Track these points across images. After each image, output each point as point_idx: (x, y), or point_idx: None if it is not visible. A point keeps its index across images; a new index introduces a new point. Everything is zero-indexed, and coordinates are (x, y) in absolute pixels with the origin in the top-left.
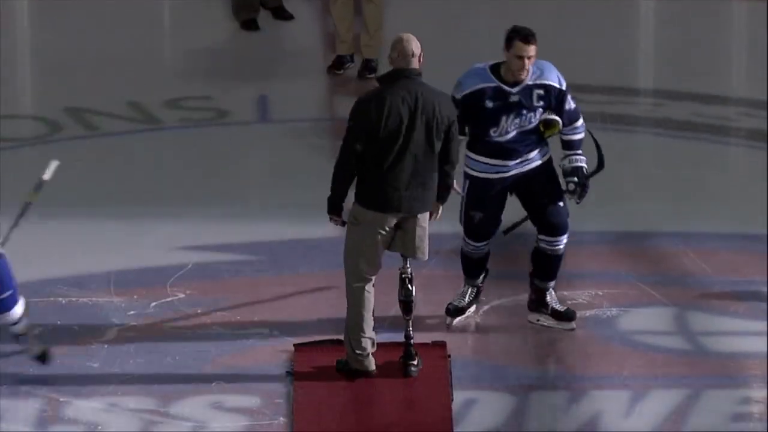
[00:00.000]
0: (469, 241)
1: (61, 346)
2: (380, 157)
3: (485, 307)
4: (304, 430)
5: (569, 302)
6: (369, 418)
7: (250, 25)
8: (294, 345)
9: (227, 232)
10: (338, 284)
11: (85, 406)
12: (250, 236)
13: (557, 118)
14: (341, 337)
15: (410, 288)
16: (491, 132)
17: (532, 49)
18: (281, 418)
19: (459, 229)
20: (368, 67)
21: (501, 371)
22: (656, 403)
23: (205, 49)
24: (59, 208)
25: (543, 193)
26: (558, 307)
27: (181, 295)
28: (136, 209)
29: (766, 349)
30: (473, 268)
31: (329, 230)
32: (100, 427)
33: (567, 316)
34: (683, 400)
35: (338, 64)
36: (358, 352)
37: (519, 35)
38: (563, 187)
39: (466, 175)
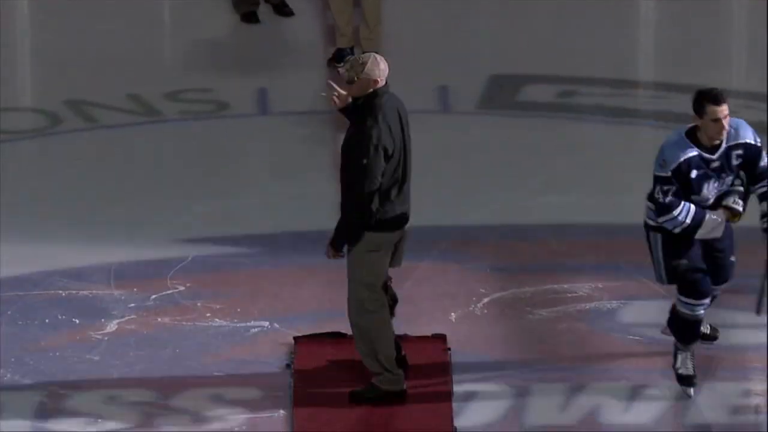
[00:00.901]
0: (686, 299)
1: (61, 339)
2: (393, 175)
3: (485, 300)
4: (304, 425)
5: (569, 295)
6: (369, 411)
7: (250, 17)
8: (294, 338)
9: (227, 225)
10: (337, 278)
11: (85, 399)
12: (250, 229)
13: (741, 209)
14: (341, 330)
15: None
16: (691, 199)
17: (725, 108)
18: (281, 411)
19: (459, 221)
20: None
21: (501, 364)
22: (656, 396)
23: (206, 42)
24: (59, 201)
25: (722, 248)
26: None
27: (181, 288)
28: (136, 202)
29: (765, 342)
30: (690, 331)
31: (329, 223)
32: (100, 420)
33: (711, 336)
34: (682, 393)
35: (338, 57)
36: (396, 373)
37: (708, 98)
38: (762, 226)
39: (655, 229)
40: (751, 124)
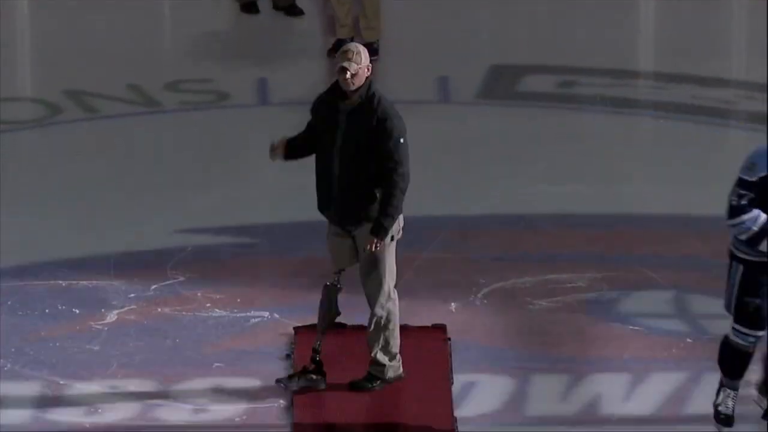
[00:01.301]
0: (743, 329)
1: (62, 329)
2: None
3: (485, 290)
4: (304, 415)
5: (569, 285)
6: (369, 401)
7: (250, 8)
8: (294, 328)
9: (227, 215)
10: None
11: (85, 389)
12: (249, 219)
13: None
14: (340, 320)
15: None
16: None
17: None
18: (281, 401)
19: (459, 211)
20: (370, 50)
21: (501, 354)
22: (656, 386)
23: (205, 32)
24: (59, 191)
25: None
26: None
27: (181, 278)
28: (136, 192)
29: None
30: (738, 363)
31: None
32: (100, 410)
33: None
34: (683, 382)
35: (338, 47)
36: (399, 358)
37: None
38: None
39: (739, 260)
40: (751, 115)
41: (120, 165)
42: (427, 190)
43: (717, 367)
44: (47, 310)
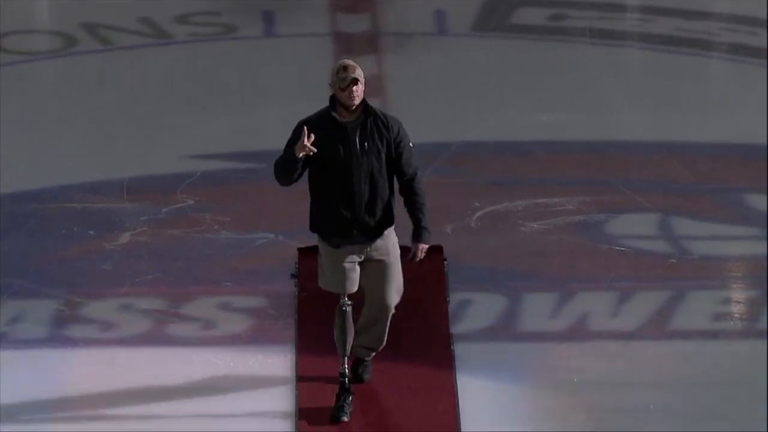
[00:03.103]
0: None
1: (77, 250)
2: None
3: (479, 213)
4: (308, 335)
5: (559, 208)
6: None
7: None
8: (298, 249)
9: (234, 142)
10: None
11: (99, 307)
12: (256, 145)
13: None
14: None
15: None
16: None
17: None
18: (286, 318)
19: (455, 138)
20: None
21: (494, 274)
22: (641, 304)
23: None
24: (75, 119)
25: None
26: None
27: (191, 201)
28: (148, 120)
29: (745, 252)
30: None
31: None
32: (113, 327)
33: None
34: (667, 300)
35: None
36: None
37: None
38: None
39: None
40: (733, 46)
41: (132, 94)
42: (425, 118)
43: (699, 285)
44: (64, 232)
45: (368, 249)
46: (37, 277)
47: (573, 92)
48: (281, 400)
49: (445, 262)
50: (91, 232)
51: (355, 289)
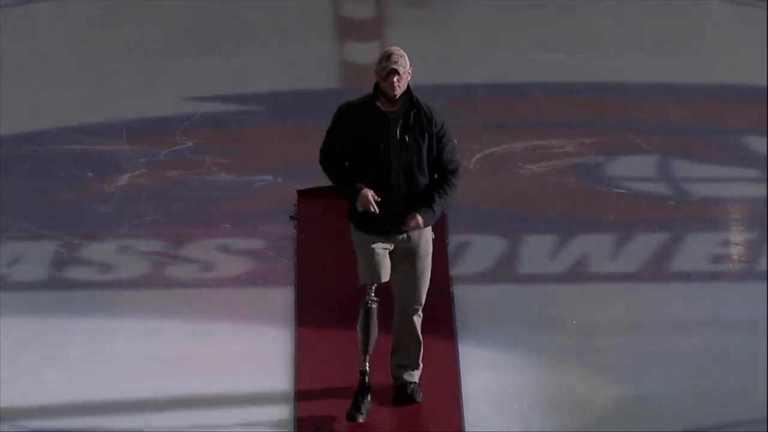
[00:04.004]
0: None
1: (76, 192)
2: None
3: (479, 155)
4: (307, 276)
5: (558, 150)
6: None
7: None
8: (297, 191)
9: (234, 84)
10: None
11: (99, 248)
12: (255, 88)
13: None
14: None
15: None
16: None
17: None
18: (285, 260)
19: (454, 79)
20: None
21: (494, 216)
22: (640, 246)
23: None
24: (73, 60)
25: None
26: None
27: (189, 144)
28: (147, 62)
29: (744, 194)
30: None
31: (331, 82)
32: (113, 268)
33: None
34: (666, 242)
35: None
36: None
37: None
38: None
39: None
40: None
41: (131, 36)
42: (425, 60)
43: (698, 227)
44: (63, 174)
45: (401, 242)
46: (36, 218)
47: (572, 34)
48: (281, 342)
49: None
50: (90, 174)
51: (387, 278)
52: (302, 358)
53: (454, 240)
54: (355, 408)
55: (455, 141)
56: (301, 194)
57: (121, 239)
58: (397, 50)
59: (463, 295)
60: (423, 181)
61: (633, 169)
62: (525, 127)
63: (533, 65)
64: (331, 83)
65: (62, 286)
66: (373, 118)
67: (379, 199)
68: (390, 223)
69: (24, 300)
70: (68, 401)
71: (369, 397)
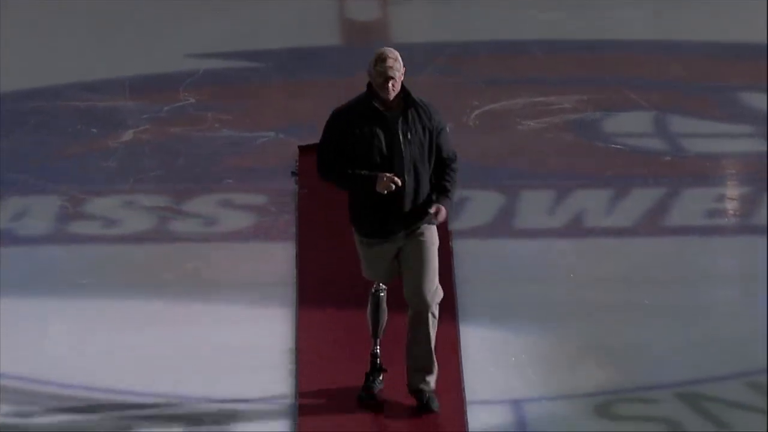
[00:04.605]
0: None
1: (81, 147)
2: None
3: (478, 112)
4: (308, 231)
5: (556, 107)
6: None
7: None
8: (298, 146)
9: (236, 41)
10: (341, 95)
11: (103, 203)
12: (257, 45)
13: None
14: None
15: None
16: None
17: None
18: (286, 215)
19: (454, 37)
20: None
21: (492, 171)
22: (636, 201)
23: None
24: (76, 17)
25: None
26: None
27: (192, 100)
28: (150, 18)
29: (740, 150)
30: None
31: (332, 39)
32: (117, 222)
33: None
34: (662, 197)
35: None
36: None
37: None
38: None
39: None
40: None
41: None
42: (425, 18)
43: (694, 182)
44: (68, 130)
45: (406, 239)
46: (41, 173)
47: None
48: (283, 297)
49: None
50: (94, 130)
51: (390, 278)
52: (302, 320)
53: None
54: (366, 389)
55: (448, 130)
56: (303, 150)
57: (125, 194)
58: (392, 53)
59: (462, 249)
60: (426, 175)
61: (630, 126)
62: (524, 84)
63: (533, 22)
64: (333, 40)
65: (67, 241)
66: (371, 119)
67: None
68: (397, 222)
69: (28, 253)
70: (72, 354)
71: (381, 377)
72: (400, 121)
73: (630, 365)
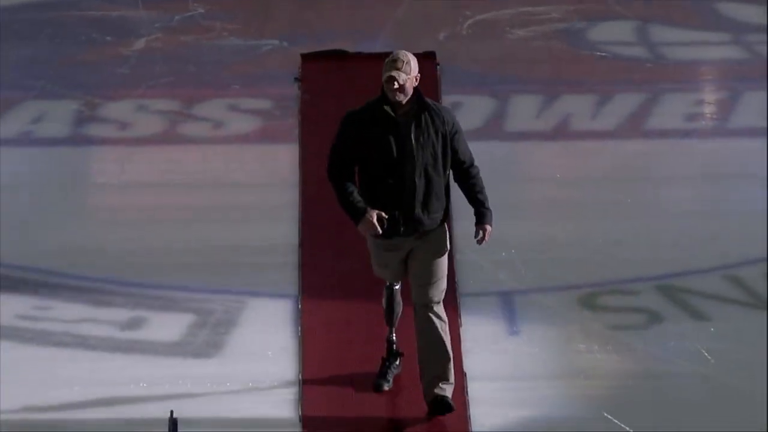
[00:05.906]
0: None
1: (95, 54)
2: None
3: (470, 21)
4: (311, 134)
5: (544, 16)
6: None
7: None
8: (301, 54)
9: None
10: (342, 5)
11: (117, 107)
12: None
13: None
14: (344, 48)
15: None
16: None
17: None
18: (290, 119)
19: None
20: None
21: (484, 77)
22: (619, 106)
23: None
24: None
25: None
26: None
27: (202, 10)
28: None
29: (716, 57)
30: None
31: None
32: (130, 126)
33: None
34: (643, 102)
35: None
36: None
37: None
38: None
39: None
40: None
41: None
42: None
43: (674, 88)
44: (83, 38)
45: (416, 241)
46: (58, 79)
47: None
48: (286, 196)
49: (438, 67)
50: (108, 38)
51: (399, 279)
52: (305, 218)
53: (446, 100)
54: (381, 376)
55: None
56: (305, 57)
57: (138, 99)
58: (404, 56)
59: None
60: (438, 180)
61: (613, 34)
62: None
63: None
64: None
65: (83, 142)
66: (383, 123)
67: (387, 217)
68: (408, 226)
69: (48, 154)
70: (90, 248)
71: (397, 362)
72: (412, 126)
73: (612, 260)
